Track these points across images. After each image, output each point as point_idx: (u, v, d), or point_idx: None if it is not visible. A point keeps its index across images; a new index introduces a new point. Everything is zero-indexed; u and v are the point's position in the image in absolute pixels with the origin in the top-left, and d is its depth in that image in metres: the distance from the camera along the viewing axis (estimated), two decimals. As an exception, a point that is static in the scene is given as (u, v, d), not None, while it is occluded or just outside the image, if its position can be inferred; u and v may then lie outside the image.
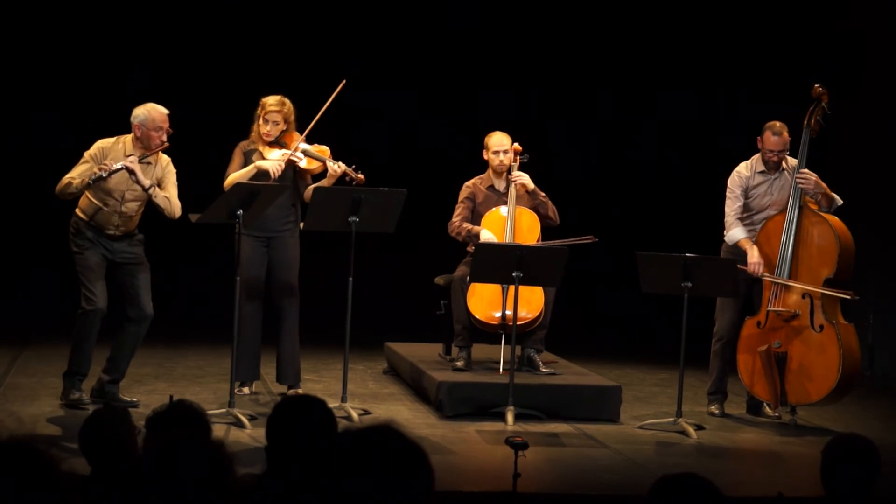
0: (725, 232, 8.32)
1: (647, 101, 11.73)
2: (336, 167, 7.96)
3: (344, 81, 7.99)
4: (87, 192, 7.62)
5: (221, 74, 11.22)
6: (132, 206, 7.67)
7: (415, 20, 11.54)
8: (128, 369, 7.77)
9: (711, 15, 11.56)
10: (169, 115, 7.68)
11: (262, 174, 7.93)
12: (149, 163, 7.63)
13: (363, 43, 11.47)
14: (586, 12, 11.70)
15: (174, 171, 7.78)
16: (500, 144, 8.57)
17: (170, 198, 7.67)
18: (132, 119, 7.67)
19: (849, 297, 7.99)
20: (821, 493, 3.97)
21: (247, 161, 8.07)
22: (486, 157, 8.63)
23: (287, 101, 8.08)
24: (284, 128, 8.06)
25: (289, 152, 7.99)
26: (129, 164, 7.51)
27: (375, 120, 11.20)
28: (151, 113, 7.66)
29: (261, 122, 8.06)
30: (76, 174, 7.58)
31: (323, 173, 8.07)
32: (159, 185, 7.65)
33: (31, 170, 10.47)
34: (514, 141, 8.61)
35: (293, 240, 8.13)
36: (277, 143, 8.07)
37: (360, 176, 7.97)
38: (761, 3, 11.50)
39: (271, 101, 8.07)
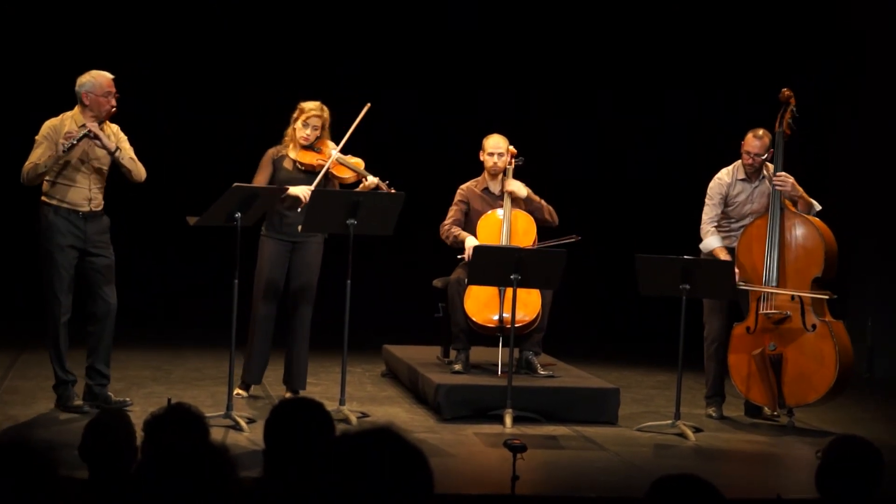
0: (702, 239, 8.31)
1: (647, 101, 11.72)
2: (371, 180, 7.96)
3: (368, 105, 7.97)
4: (47, 177, 7.40)
5: (222, 75, 11.20)
6: (102, 174, 7.49)
7: (415, 20, 11.53)
8: (124, 372, 7.72)
9: (712, 15, 11.55)
10: (114, 80, 7.48)
11: (290, 199, 7.85)
12: (101, 130, 7.41)
13: (363, 43, 11.46)
14: (586, 12, 11.69)
15: (125, 136, 7.59)
16: (495, 147, 8.56)
17: (135, 159, 7.52)
18: (78, 89, 7.45)
19: (826, 296, 7.99)
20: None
21: (276, 168, 8.03)
22: (482, 158, 8.62)
23: (325, 107, 8.05)
24: (320, 133, 8.04)
25: (324, 162, 7.94)
26: (93, 128, 7.32)
27: (375, 119, 11.18)
28: (97, 79, 7.46)
29: (298, 125, 8.01)
30: (36, 157, 7.39)
31: (354, 184, 8.05)
32: None
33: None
34: (512, 142, 8.62)
35: (317, 246, 8.09)
36: (312, 147, 8.05)
37: (393, 192, 7.93)
38: (762, 4, 11.49)
39: (311, 105, 8.02)
